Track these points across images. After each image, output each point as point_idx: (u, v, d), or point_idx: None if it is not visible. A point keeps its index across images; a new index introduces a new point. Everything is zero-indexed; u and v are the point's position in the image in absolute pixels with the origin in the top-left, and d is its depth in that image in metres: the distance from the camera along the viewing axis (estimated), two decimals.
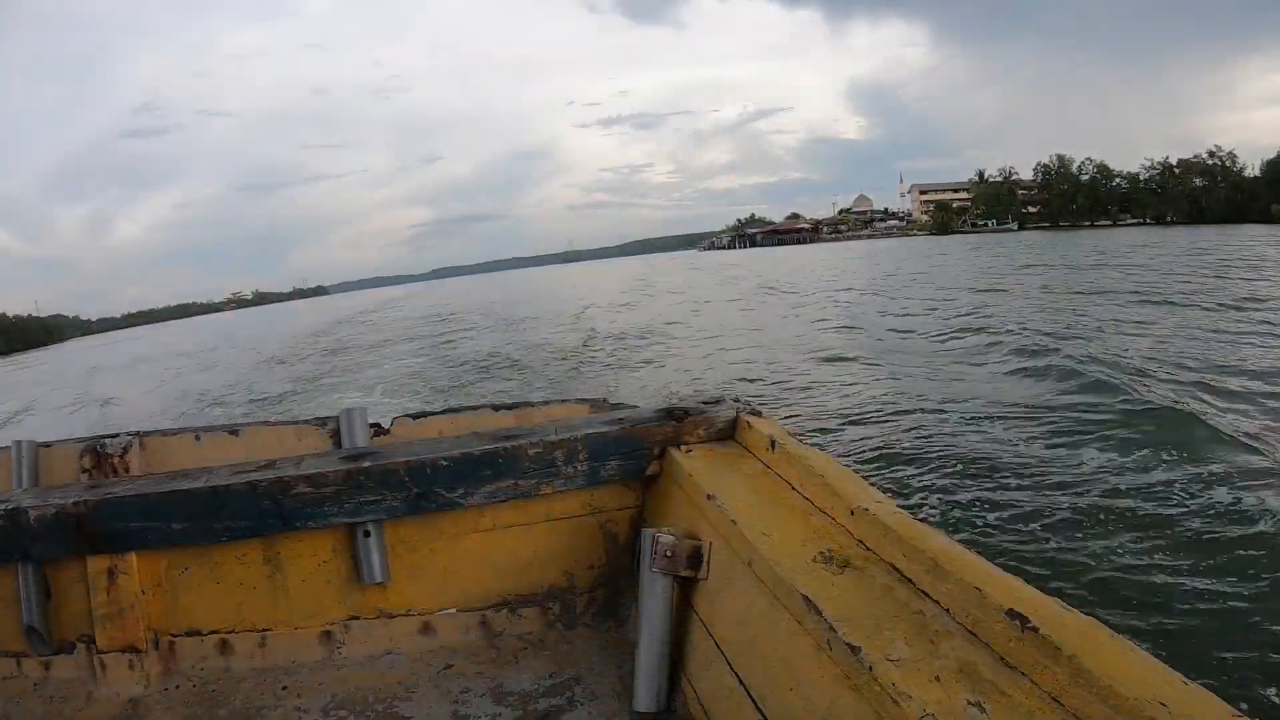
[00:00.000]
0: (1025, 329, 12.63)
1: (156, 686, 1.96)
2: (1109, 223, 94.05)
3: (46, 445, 2.18)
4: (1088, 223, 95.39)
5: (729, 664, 1.45)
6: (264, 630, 2.03)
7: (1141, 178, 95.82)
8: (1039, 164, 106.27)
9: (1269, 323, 11.83)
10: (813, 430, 7.26)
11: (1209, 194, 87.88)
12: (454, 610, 2.06)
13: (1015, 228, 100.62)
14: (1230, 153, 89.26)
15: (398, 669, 1.97)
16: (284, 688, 1.92)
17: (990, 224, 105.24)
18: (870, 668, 1.03)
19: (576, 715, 1.73)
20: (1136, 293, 17.33)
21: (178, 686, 1.96)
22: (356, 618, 2.05)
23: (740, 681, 1.39)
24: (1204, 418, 6.49)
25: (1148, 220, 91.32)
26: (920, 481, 5.87)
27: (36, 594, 1.97)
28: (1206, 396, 7.44)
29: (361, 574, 2.00)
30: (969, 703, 0.93)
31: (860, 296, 23.01)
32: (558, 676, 1.88)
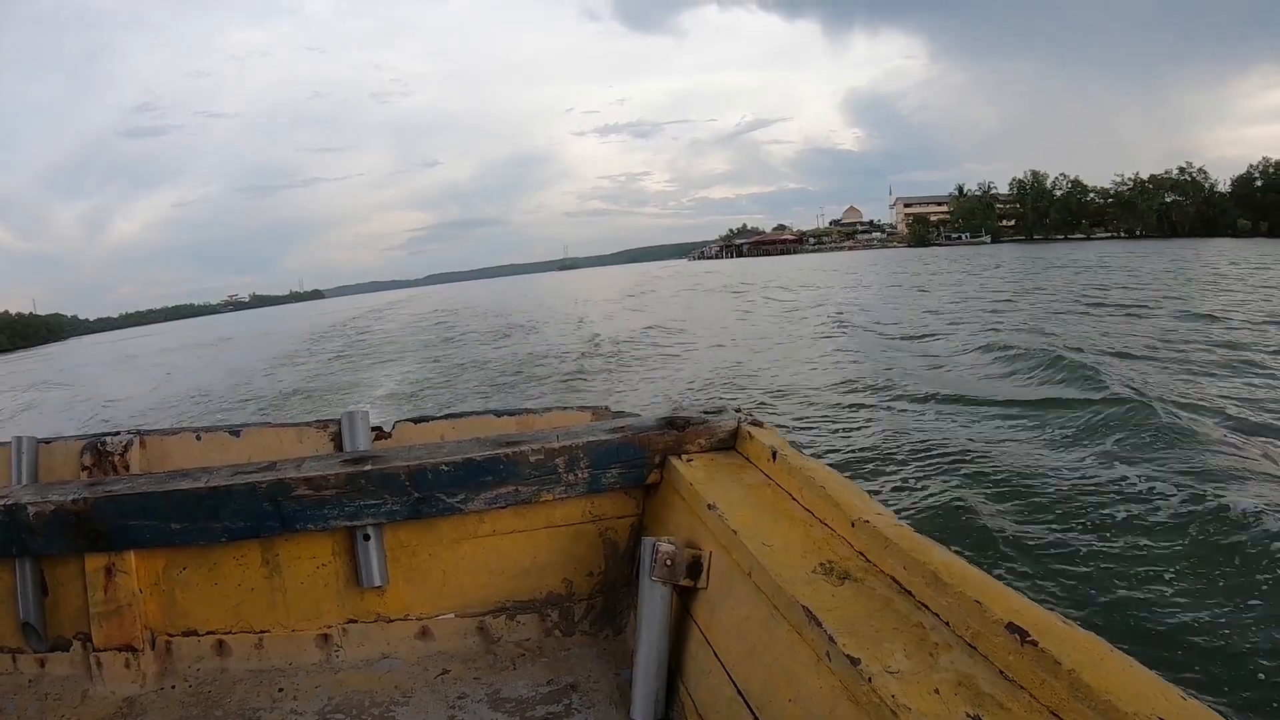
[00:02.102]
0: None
1: (152, 686, 1.91)
2: (1082, 236, 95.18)
3: (47, 442, 2.14)
4: (1061, 236, 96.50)
5: (727, 673, 1.42)
6: (261, 632, 1.98)
7: (1113, 192, 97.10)
8: (1014, 179, 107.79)
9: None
10: (809, 436, 7.29)
11: (1179, 209, 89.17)
12: (452, 615, 2.02)
13: (988, 241, 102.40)
14: (1200, 169, 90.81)
15: (395, 673, 1.92)
16: (280, 690, 1.88)
17: (964, 237, 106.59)
18: (869, 679, 1.01)
19: None
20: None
21: (173, 686, 1.91)
22: (354, 621, 2.00)
23: (738, 691, 1.36)
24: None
25: (1121, 234, 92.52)
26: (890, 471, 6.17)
27: (34, 590, 1.92)
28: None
29: (360, 577, 1.96)
30: (968, 715, 0.92)
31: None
32: (555, 683, 1.84)
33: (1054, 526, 4.88)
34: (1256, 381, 8.60)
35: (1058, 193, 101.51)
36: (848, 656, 1.06)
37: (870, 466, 6.33)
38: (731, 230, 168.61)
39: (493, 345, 19.27)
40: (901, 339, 14.48)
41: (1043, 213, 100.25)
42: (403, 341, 24.09)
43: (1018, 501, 5.30)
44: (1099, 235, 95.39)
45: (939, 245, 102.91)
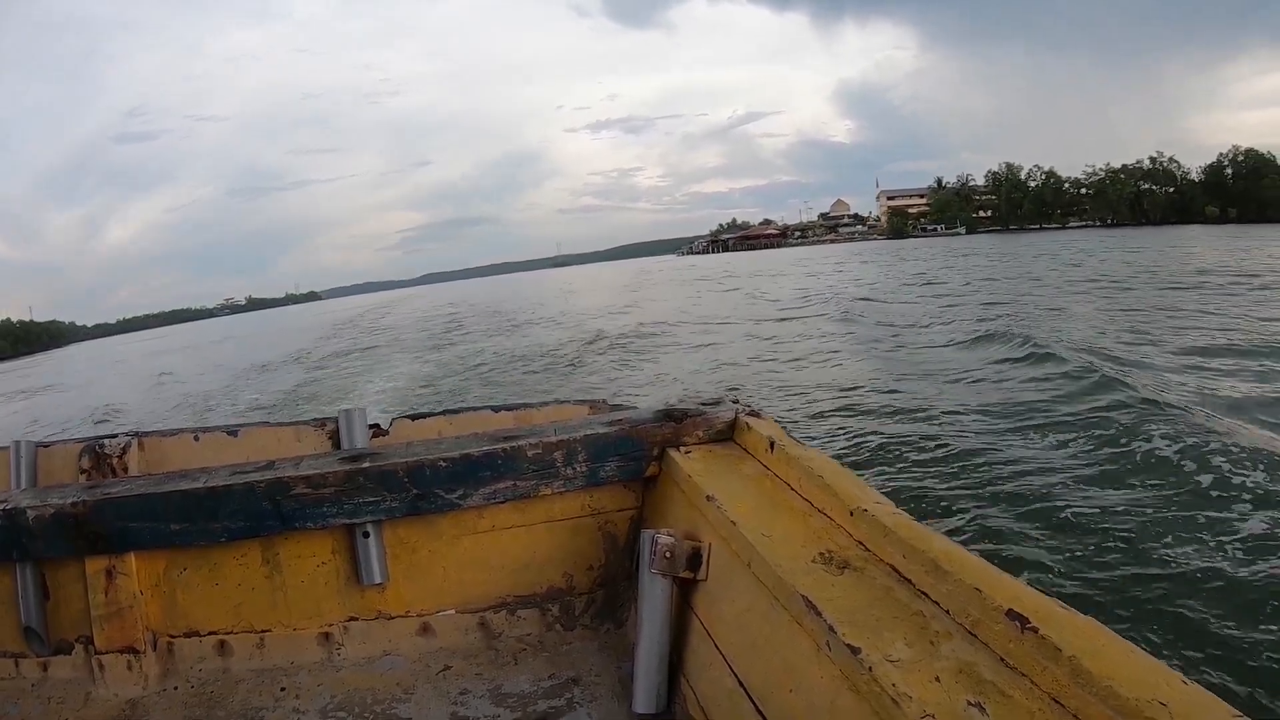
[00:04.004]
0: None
1: (155, 687, 1.87)
2: (1056, 226, 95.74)
3: (45, 445, 2.10)
4: (1036, 226, 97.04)
5: (728, 665, 1.40)
6: (263, 631, 1.95)
7: (1085, 182, 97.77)
8: (989, 171, 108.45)
9: None
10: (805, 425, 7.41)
11: (1151, 197, 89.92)
12: (453, 611, 1.99)
13: (962, 232, 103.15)
14: (1171, 158, 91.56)
15: (396, 670, 1.89)
16: (282, 689, 1.84)
17: (939, 229, 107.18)
18: (870, 668, 1.00)
19: (576, 716, 1.67)
20: None
21: (176, 688, 1.88)
22: (355, 619, 1.97)
23: (740, 682, 1.35)
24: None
25: (1095, 223, 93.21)
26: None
27: (35, 594, 1.88)
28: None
29: (360, 575, 1.92)
30: (969, 703, 0.90)
31: None
32: (557, 678, 1.81)
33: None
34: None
35: (1032, 184, 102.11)
36: (848, 646, 1.04)
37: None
38: (721, 225, 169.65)
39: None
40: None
41: (1016, 204, 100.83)
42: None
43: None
44: (1073, 225, 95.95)
45: (915, 237, 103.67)
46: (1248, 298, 14.56)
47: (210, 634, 1.94)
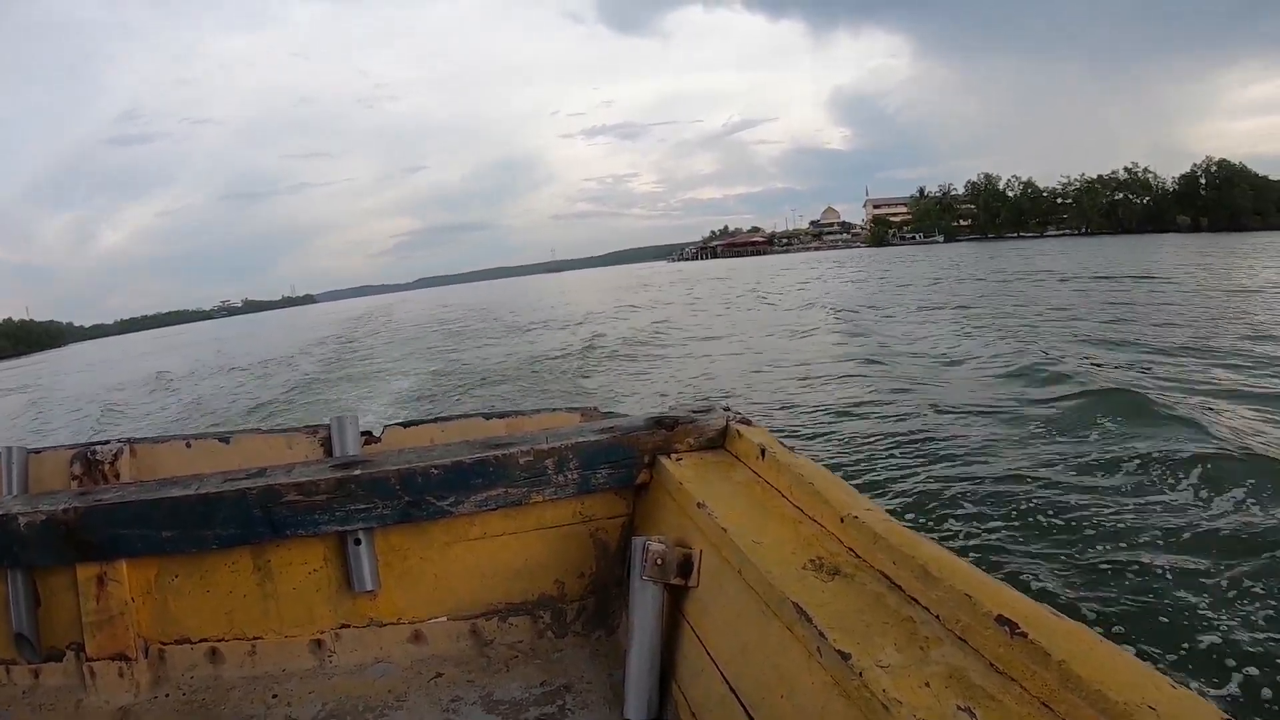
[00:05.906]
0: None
1: (146, 695, 1.83)
2: (1033, 234, 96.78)
3: (36, 451, 2.05)
4: (1014, 235, 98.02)
5: (720, 671, 1.38)
6: (254, 639, 1.91)
7: (1060, 192, 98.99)
8: (968, 181, 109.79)
9: None
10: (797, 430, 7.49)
11: (1126, 206, 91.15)
12: (444, 619, 1.96)
13: (941, 240, 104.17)
14: (1146, 168, 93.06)
15: (388, 678, 1.86)
16: (274, 696, 1.81)
17: (917, 237, 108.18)
18: (860, 674, 0.98)
19: None
20: None
21: (167, 695, 1.84)
22: (347, 626, 1.93)
23: (731, 689, 1.33)
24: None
25: (1071, 232, 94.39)
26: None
27: (26, 601, 1.84)
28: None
29: (352, 582, 1.89)
30: (959, 708, 0.89)
31: None
32: (548, 685, 1.79)
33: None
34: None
35: (1010, 194, 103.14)
36: (838, 652, 1.03)
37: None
38: (713, 232, 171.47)
39: None
40: None
41: (995, 213, 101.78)
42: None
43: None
44: (1050, 233, 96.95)
45: (895, 245, 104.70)
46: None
47: (202, 641, 1.90)
